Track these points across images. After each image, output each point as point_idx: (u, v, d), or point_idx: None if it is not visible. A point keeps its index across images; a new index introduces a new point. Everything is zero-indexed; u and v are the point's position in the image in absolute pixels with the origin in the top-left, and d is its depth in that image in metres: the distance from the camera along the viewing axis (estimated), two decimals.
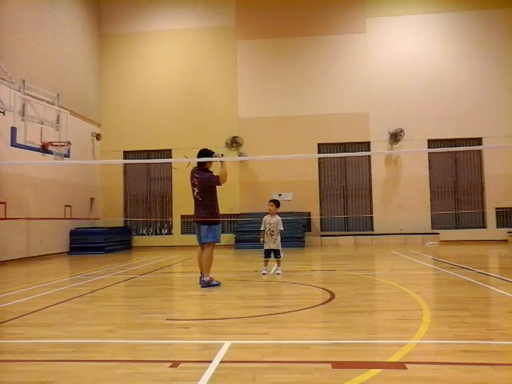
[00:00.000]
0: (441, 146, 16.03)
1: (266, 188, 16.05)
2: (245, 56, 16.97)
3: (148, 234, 16.89)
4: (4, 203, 11.32)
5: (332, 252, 13.13)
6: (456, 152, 16.14)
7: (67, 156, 12.01)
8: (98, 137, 16.69)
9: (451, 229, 16.03)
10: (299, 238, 15.04)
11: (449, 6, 16.45)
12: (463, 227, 16.04)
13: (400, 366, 2.97)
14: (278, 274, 7.74)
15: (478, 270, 7.78)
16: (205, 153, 6.61)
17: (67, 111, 12.35)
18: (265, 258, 7.96)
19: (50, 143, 11.51)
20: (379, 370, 2.88)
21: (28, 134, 10.65)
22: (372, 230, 16.26)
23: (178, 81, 17.05)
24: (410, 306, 5.00)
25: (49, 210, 13.29)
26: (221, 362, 3.13)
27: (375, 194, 16.36)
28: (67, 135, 11.97)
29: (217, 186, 6.71)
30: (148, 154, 17.09)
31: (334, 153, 16.48)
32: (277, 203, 8.05)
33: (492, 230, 15.78)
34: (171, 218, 16.80)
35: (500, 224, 15.85)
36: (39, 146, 11.22)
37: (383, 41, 16.60)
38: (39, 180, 12.99)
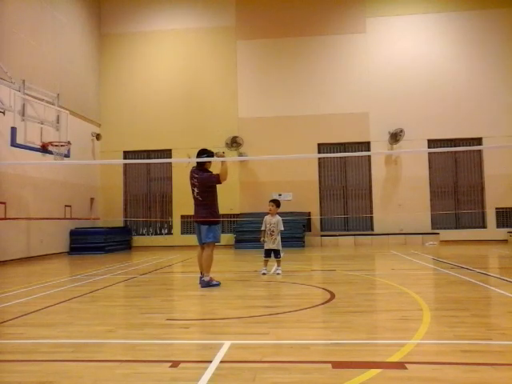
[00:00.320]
0: (441, 146, 16.02)
1: (266, 188, 16.05)
2: (245, 56, 16.97)
3: (148, 234, 16.89)
4: (4, 203, 11.32)
5: (332, 252, 13.13)
6: (456, 152, 16.14)
7: (67, 156, 12.01)
8: (98, 137, 16.69)
9: (451, 229, 16.02)
10: (299, 238, 15.04)
11: (449, 5, 16.46)
12: (463, 227, 16.04)
13: (400, 365, 2.97)
14: (278, 273, 7.74)
15: (477, 270, 7.78)
16: (204, 153, 6.61)
17: (67, 111, 12.35)
18: (265, 257, 7.96)
19: (50, 143, 11.51)
20: (379, 370, 2.89)
21: (28, 133, 10.65)
22: (372, 229, 16.26)
23: (178, 81, 17.05)
24: (409, 305, 5.00)
25: (49, 210, 13.29)
26: (221, 361, 3.13)
27: (375, 194, 16.36)
28: (67, 135, 11.96)
29: (217, 186, 6.72)
30: (148, 153, 17.08)
31: (334, 153, 16.48)
32: (277, 203, 8.05)
33: (492, 230, 15.78)
34: (171, 217, 16.80)
35: (500, 224, 15.85)
36: (39, 146, 11.22)
37: (383, 41, 16.60)
38: (39, 180, 12.99)
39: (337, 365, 3.03)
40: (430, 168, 16.24)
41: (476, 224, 16.09)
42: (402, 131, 15.72)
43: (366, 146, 16.32)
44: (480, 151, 16.08)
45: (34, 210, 12.60)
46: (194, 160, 6.64)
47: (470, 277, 6.98)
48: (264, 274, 7.77)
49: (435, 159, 16.26)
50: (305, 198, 16.13)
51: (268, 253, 7.93)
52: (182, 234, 16.69)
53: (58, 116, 11.84)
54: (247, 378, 2.83)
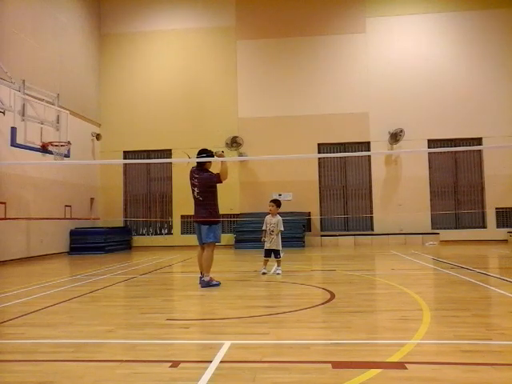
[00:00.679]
0: (441, 146, 16.03)
1: (266, 188, 16.06)
2: (245, 56, 16.97)
3: (148, 234, 16.89)
4: (4, 203, 11.32)
5: (332, 252, 13.13)
6: (456, 152, 16.14)
7: (67, 156, 12.01)
8: (98, 137, 16.70)
9: (451, 229, 16.03)
10: (299, 238, 15.04)
11: (449, 5, 16.46)
12: (463, 227, 16.04)
13: (400, 365, 2.97)
14: (278, 273, 7.74)
15: (478, 270, 7.78)
16: (204, 152, 6.61)
17: (67, 111, 12.35)
18: (265, 257, 7.96)
19: (50, 143, 11.51)
20: (379, 370, 2.89)
21: (28, 133, 10.65)
22: (372, 230, 16.26)
23: (178, 81, 17.05)
24: (409, 305, 5.00)
25: (49, 210, 13.29)
26: (221, 361, 3.13)
27: (375, 194, 16.36)
28: (67, 135, 11.96)
29: (217, 186, 6.72)
30: (148, 154, 17.09)
31: (334, 153, 16.48)
32: (277, 203, 8.05)
33: (492, 230, 15.78)
34: (171, 217, 16.81)
35: (500, 224, 15.85)
36: (39, 146, 11.22)
37: (383, 41, 16.60)
38: (39, 180, 12.99)
39: (337, 365, 3.03)
40: (430, 168, 16.24)
41: (476, 224, 16.09)
42: (401, 131, 15.72)
43: (365, 146, 16.32)
44: (480, 151, 16.09)
45: (34, 210, 12.60)
46: (195, 160, 6.64)
47: (470, 277, 6.97)
48: (264, 273, 7.77)
49: (435, 159, 16.26)
50: (305, 198, 16.13)
51: (268, 253, 7.93)
52: (181, 234, 16.69)
53: (58, 116, 11.84)
54: (247, 378, 2.83)
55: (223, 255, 12.30)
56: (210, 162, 6.70)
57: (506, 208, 15.79)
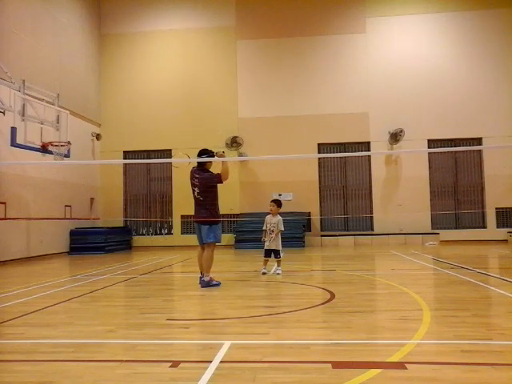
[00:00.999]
0: (441, 146, 16.03)
1: (266, 188, 16.06)
2: (245, 56, 16.97)
3: (148, 234, 16.89)
4: (4, 203, 11.32)
5: (332, 252, 13.13)
6: (456, 152, 16.14)
7: (67, 156, 12.01)
8: (98, 137, 16.70)
9: (451, 229, 16.03)
10: (299, 238, 15.04)
11: (449, 5, 16.46)
12: (463, 227, 16.04)
13: (400, 365, 2.97)
14: (278, 273, 7.74)
15: (478, 270, 7.78)
16: (205, 153, 6.61)
17: (67, 111, 12.35)
18: (265, 257, 7.96)
19: (50, 143, 11.51)
20: (379, 370, 2.88)
21: (28, 134, 10.65)
22: (372, 230, 16.26)
23: (177, 81, 17.06)
24: (409, 305, 5.00)
25: (49, 210, 13.29)
26: (221, 361, 3.13)
27: (375, 194, 16.36)
28: (67, 135, 11.96)
29: (217, 186, 6.71)
30: (148, 154, 17.09)
31: (334, 153, 16.48)
32: (278, 203, 8.05)
33: (492, 230, 15.78)
34: (171, 217, 16.81)
35: (500, 224, 15.85)
36: (39, 146, 11.22)
37: (383, 41, 16.60)
38: (39, 180, 12.99)
39: (337, 365, 3.03)
40: (430, 168, 16.24)
41: (476, 224, 16.09)
42: (401, 131, 15.72)
43: (365, 146, 16.32)
44: (480, 151, 16.09)
45: (34, 210, 12.60)
46: (195, 160, 6.64)
47: (470, 277, 6.97)
48: (264, 273, 7.77)
49: (435, 159, 16.26)
50: (305, 198, 16.13)
51: (268, 253, 7.93)
52: (182, 234, 16.69)
53: (58, 116, 11.84)
54: (247, 378, 2.83)
55: (223, 255, 12.30)
56: (210, 162, 6.70)
57: (506, 208, 15.79)
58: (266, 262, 7.95)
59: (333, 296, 5.60)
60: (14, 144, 10.38)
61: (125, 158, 17.06)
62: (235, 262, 11.19)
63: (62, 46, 14.62)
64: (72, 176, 14.83)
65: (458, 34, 16.39)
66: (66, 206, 14.37)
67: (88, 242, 14.34)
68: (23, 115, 10.57)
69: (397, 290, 6.06)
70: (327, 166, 16.68)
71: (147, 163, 17.21)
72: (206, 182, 6.59)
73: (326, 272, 8.80)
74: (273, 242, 7.87)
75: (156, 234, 16.88)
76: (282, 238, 8.03)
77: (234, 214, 15.91)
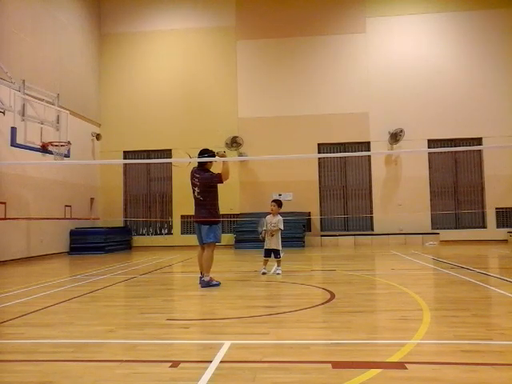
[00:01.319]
0: (441, 146, 16.03)
1: (266, 188, 16.06)
2: (245, 56, 16.97)
3: (148, 234, 16.89)
4: (4, 203, 11.32)
5: (332, 252, 13.13)
6: (456, 152, 16.14)
7: (67, 156, 12.01)
8: (98, 137, 16.70)
9: (451, 229, 16.02)
10: (299, 238, 15.04)
11: (449, 5, 16.46)
12: (463, 227, 16.04)
13: (400, 365, 2.97)
14: (278, 273, 7.74)
15: (478, 270, 7.78)
16: (206, 153, 6.61)
17: (67, 111, 12.35)
18: (264, 257, 7.96)
19: (50, 143, 11.51)
20: (379, 370, 2.88)
21: (28, 133, 10.65)
22: (372, 230, 16.26)
23: (177, 81, 17.06)
24: (409, 305, 5.00)
25: (49, 210, 13.29)
26: (221, 361, 3.13)
27: (375, 194, 16.36)
28: (67, 135, 11.96)
29: (217, 186, 6.71)
30: (148, 154, 17.09)
31: (334, 153, 16.48)
32: (279, 203, 8.06)
33: (492, 230, 15.78)
34: (171, 217, 16.81)
35: (500, 224, 15.85)
36: (39, 146, 11.22)
37: (383, 41, 16.60)
38: (39, 180, 12.99)
39: (337, 365, 3.03)
40: (430, 168, 16.24)
41: (476, 224, 16.09)
42: (401, 131, 15.72)
43: (365, 146, 16.32)
44: (480, 151, 16.08)
45: (34, 210, 12.60)
46: (195, 160, 6.64)
47: (470, 277, 6.97)
48: (264, 273, 7.77)
49: (435, 159, 16.26)
50: (305, 198, 16.13)
51: (268, 253, 7.93)
52: (181, 234, 16.69)
53: (58, 116, 11.84)
54: (247, 378, 2.83)
55: (223, 255, 12.29)
56: (211, 162, 6.69)
57: (506, 208, 15.80)
58: (265, 262, 7.95)
59: (333, 296, 5.60)
60: (14, 144, 10.38)
61: (125, 158, 17.06)
62: (235, 262, 11.18)
63: (62, 46, 14.62)
64: (72, 176, 14.83)
65: (458, 33, 16.40)
66: (66, 206, 14.37)
67: (88, 242, 14.34)
68: (23, 115, 10.57)
69: (397, 289, 6.06)
70: (327, 165, 16.68)
71: (147, 163, 17.21)
72: (206, 181, 6.59)
73: (325, 272, 8.80)
74: (273, 241, 7.87)
75: (156, 233, 16.88)
76: (282, 238, 8.03)
77: (234, 214, 15.90)
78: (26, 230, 12.31)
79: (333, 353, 3.34)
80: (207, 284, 6.52)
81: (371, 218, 16.29)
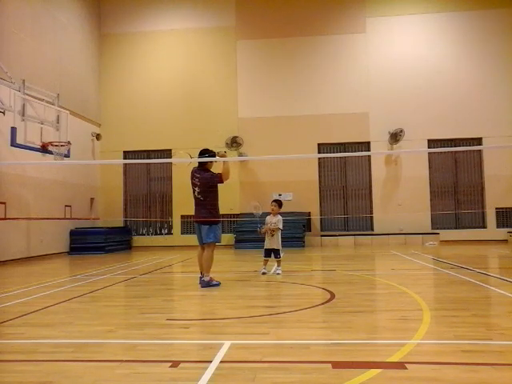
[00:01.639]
0: (441, 146, 16.03)
1: (266, 188, 16.06)
2: (245, 56, 16.97)
3: (148, 234, 16.89)
4: (4, 203, 11.32)
5: (332, 252, 13.13)
6: (456, 152, 16.14)
7: (67, 156, 12.01)
8: (98, 137, 16.70)
9: (451, 229, 16.02)
10: (299, 238, 15.04)
11: (449, 5, 16.46)
12: (463, 227, 16.04)
13: (400, 365, 2.97)
14: (278, 273, 7.74)
15: (478, 270, 7.78)
16: (206, 153, 6.61)
17: (67, 111, 12.35)
18: (265, 257, 7.96)
19: (50, 143, 11.51)
20: (379, 370, 2.88)
21: (28, 134, 10.65)
22: (372, 230, 16.26)
23: (178, 81, 17.06)
24: (410, 305, 5.00)
25: (49, 210, 13.29)
26: (221, 361, 3.13)
27: (375, 194, 16.36)
28: (67, 135, 11.96)
29: (218, 186, 6.71)
30: (148, 154, 17.09)
31: (334, 153, 16.48)
32: (279, 203, 8.07)
33: (492, 230, 15.78)
34: (171, 217, 16.81)
35: (500, 224, 15.85)
36: (39, 146, 11.22)
37: (383, 41, 16.60)
38: (39, 180, 12.99)
39: (337, 365, 3.03)
40: (430, 168, 16.24)
41: (476, 224, 16.09)
42: (402, 131, 15.72)
43: (365, 146, 16.32)
44: (480, 151, 16.08)
45: (34, 210, 12.60)
46: (196, 160, 6.64)
47: (470, 277, 6.97)
48: (264, 273, 7.77)
49: (435, 159, 16.26)
50: (305, 198, 16.13)
51: (268, 253, 7.93)
52: (182, 234, 16.69)
53: (58, 116, 11.84)
54: (247, 378, 2.83)
55: (223, 255, 12.30)
56: (211, 162, 6.69)
57: (506, 208, 15.79)
58: (266, 262, 7.95)
59: (333, 296, 5.60)
60: (14, 144, 10.38)
61: (125, 157, 17.06)
62: (235, 262, 11.18)
63: (62, 46, 14.62)
64: (72, 176, 14.83)
65: (457, 34, 16.39)
66: (66, 205, 14.37)
67: (88, 242, 14.34)
68: (23, 115, 10.57)
69: (397, 289, 6.06)
70: (327, 165, 16.68)
71: (147, 163, 17.21)
72: (206, 181, 6.59)
73: (325, 272, 8.80)
74: (273, 241, 7.87)
75: (156, 233, 16.89)
76: (281, 238, 8.03)
77: (233, 214, 15.90)
78: (26, 230, 12.31)
79: (333, 353, 3.34)
80: (207, 284, 6.52)
81: (371, 218, 16.29)
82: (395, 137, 15.78)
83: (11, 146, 10.42)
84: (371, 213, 16.26)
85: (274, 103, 16.70)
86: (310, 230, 16.08)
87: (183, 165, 14.58)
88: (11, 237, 11.66)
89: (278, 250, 7.90)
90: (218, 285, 6.61)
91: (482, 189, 16.10)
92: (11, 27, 12.04)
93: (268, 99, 16.77)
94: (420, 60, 16.34)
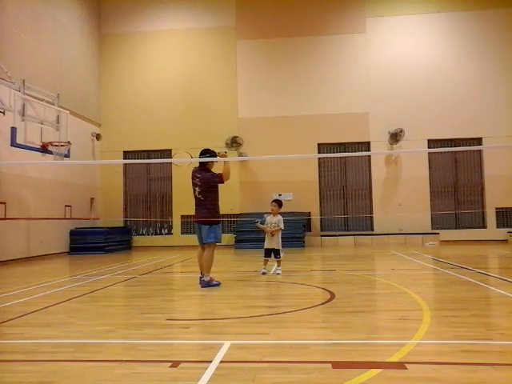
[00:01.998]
0: (441, 146, 16.03)
1: (266, 188, 16.06)
2: (245, 56, 16.97)
3: (148, 234, 16.89)
4: (4, 203, 11.32)
5: (332, 252, 13.13)
6: (456, 152, 16.14)
7: (67, 156, 12.01)
8: (98, 137, 16.70)
9: (451, 229, 16.02)
10: (299, 238, 15.04)
11: (449, 5, 16.46)
12: (463, 227, 16.04)
13: (400, 365, 2.97)
14: (278, 273, 7.74)
15: (478, 270, 7.78)
16: (207, 153, 6.61)
17: (67, 111, 12.35)
18: (265, 257, 7.96)
19: (50, 143, 11.51)
20: (379, 370, 2.88)
21: (28, 133, 10.65)
22: (372, 230, 16.26)
23: (178, 81, 17.06)
24: (409, 305, 5.00)
25: (49, 210, 13.29)
26: (221, 361, 3.13)
27: (375, 194, 16.36)
28: (67, 135, 11.97)
29: (218, 186, 6.71)
30: (148, 154, 17.09)
31: (334, 153, 16.48)
32: (279, 203, 8.07)
33: (492, 230, 15.78)
34: (171, 217, 16.80)
35: (500, 224, 15.85)
36: (39, 146, 11.22)
37: (383, 41, 16.60)
38: (39, 180, 12.99)
39: (337, 365, 3.03)
40: (430, 168, 16.24)
41: (476, 224, 16.09)
42: (402, 131, 15.72)
43: (365, 146, 16.32)
44: (480, 151, 16.08)
45: (34, 210, 12.60)
46: (196, 160, 6.64)
47: (470, 277, 6.97)
48: (264, 273, 7.77)
49: (435, 159, 16.26)
50: (305, 198, 16.13)
51: (268, 252, 7.93)
52: (182, 234, 16.69)
53: (58, 116, 11.84)
54: (247, 378, 2.83)
55: (223, 255, 12.29)
56: (212, 162, 6.70)
57: (506, 208, 15.79)
58: (265, 262, 7.95)
59: (333, 296, 5.60)
60: (14, 144, 10.38)
61: (125, 158, 17.06)
62: (235, 262, 11.18)
63: (62, 46, 14.62)
64: (72, 176, 14.83)
65: (457, 33, 16.39)
66: (66, 205, 14.37)
67: (88, 242, 14.34)
68: (23, 115, 10.57)
69: (397, 289, 6.06)
70: (327, 165, 16.68)
71: (147, 163, 17.21)
72: (207, 181, 6.59)
73: (325, 272, 8.80)
74: (273, 241, 7.87)
75: (156, 233, 16.88)
76: (282, 238, 8.03)
77: (234, 214, 15.90)
78: (26, 230, 12.31)
79: (333, 353, 3.34)
80: (207, 284, 6.52)
81: (371, 217, 16.29)
82: (395, 137, 15.78)
83: (11, 146, 10.43)
84: (371, 213, 16.26)
85: (274, 103, 16.70)
86: (310, 230, 16.08)
87: (183, 165, 14.60)
88: (11, 237, 11.66)
89: (278, 249, 7.91)
90: (218, 285, 6.62)
91: (482, 189, 16.10)
92: (11, 27, 12.04)
93: (268, 99, 16.77)
94: (420, 60, 16.34)
